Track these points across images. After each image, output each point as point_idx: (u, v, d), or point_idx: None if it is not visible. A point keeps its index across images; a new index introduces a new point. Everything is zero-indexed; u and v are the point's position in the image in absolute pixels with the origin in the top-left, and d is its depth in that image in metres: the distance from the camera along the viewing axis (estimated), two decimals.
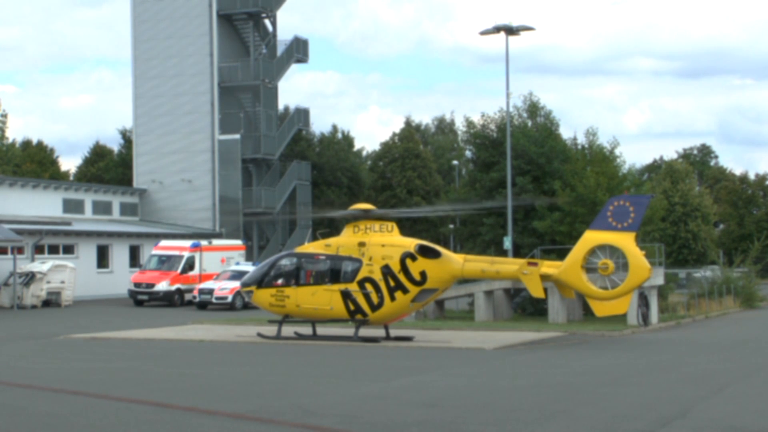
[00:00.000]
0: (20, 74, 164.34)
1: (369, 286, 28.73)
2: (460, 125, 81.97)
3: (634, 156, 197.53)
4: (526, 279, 28.25)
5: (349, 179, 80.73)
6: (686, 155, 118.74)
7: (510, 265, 29.17)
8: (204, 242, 52.47)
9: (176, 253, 50.97)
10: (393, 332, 30.84)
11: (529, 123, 49.26)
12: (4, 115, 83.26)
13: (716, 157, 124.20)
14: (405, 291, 28.62)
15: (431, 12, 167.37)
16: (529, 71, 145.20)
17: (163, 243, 52.48)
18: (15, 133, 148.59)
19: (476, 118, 50.95)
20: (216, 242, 54.22)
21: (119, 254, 56.78)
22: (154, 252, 51.98)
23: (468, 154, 60.51)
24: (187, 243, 52.07)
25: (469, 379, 20.84)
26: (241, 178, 65.68)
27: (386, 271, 28.63)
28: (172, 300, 49.43)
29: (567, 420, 15.58)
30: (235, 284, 47.15)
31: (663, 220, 60.78)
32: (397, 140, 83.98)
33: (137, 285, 49.94)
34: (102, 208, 62.13)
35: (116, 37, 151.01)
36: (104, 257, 56.13)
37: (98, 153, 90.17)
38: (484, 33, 42.59)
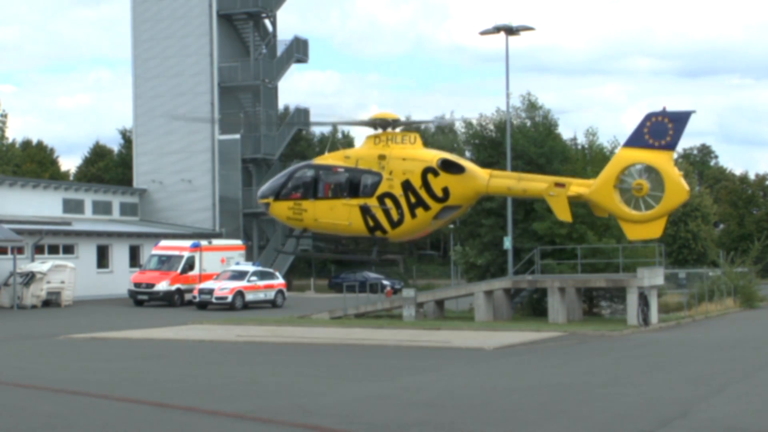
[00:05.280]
0: (19, 74, 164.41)
1: (389, 202, 27.37)
2: (459, 125, 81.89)
3: None
4: (552, 201, 26.72)
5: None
6: (686, 155, 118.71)
7: (538, 182, 27.48)
8: (204, 242, 52.48)
9: (176, 253, 50.98)
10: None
11: (528, 123, 49.29)
12: (4, 115, 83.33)
13: (716, 157, 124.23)
14: (426, 208, 27.26)
15: (428, 12, 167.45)
16: (528, 71, 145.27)
17: (163, 243, 52.50)
18: (13, 133, 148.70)
19: (475, 119, 50.97)
20: (216, 242, 54.23)
21: (119, 254, 56.79)
22: (154, 252, 51.98)
23: (467, 154, 60.53)
24: (187, 243, 52.08)
25: (469, 379, 20.84)
26: (241, 178, 65.69)
27: (407, 186, 27.23)
28: (172, 300, 49.43)
29: (567, 420, 15.58)
30: (235, 284, 47.24)
31: None
32: None
33: (137, 285, 49.95)
34: (102, 208, 62.13)
35: (115, 36, 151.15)
36: (104, 257, 56.13)
37: (98, 153, 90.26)
38: (484, 33, 42.63)
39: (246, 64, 66.29)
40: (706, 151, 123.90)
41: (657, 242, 46.07)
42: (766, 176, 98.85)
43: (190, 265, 50.68)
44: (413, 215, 27.40)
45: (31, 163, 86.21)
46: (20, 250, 48.84)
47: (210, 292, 46.82)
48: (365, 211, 27.58)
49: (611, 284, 38.47)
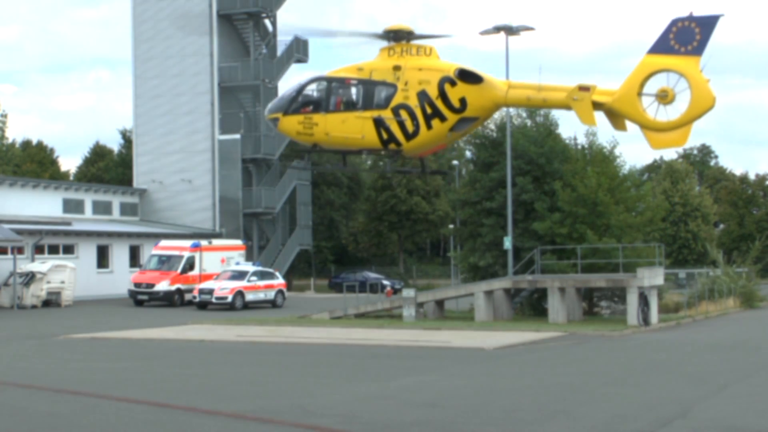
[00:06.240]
0: (19, 74, 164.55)
1: (404, 114, 26.42)
2: None
3: (634, 156, 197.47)
4: (576, 105, 25.44)
5: (349, 179, 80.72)
6: (686, 155, 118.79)
7: (558, 92, 26.29)
8: (204, 242, 52.47)
9: (176, 253, 50.97)
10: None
11: (528, 123, 49.32)
12: (4, 115, 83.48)
13: (716, 157, 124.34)
14: (443, 119, 26.35)
15: (428, 12, 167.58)
16: (527, 71, 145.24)
17: (163, 243, 52.48)
18: (13, 133, 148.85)
19: None
20: (216, 242, 54.23)
21: (119, 254, 56.78)
22: (154, 252, 51.98)
23: (468, 154, 60.62)
24: (187, 243, 52.07)
25: (469, 379, 20.83)
26: (241, 178, 65.67)
27: (423, 97, 26.30)
28: (172, 300, 49.42)
29: (567, 420, 15.58)
30: (235, 284, 47.23)
31: (663, 220, 60.81)
32: None
33: (137, 285, 49.93)
34: (102, 208, 62.13)
35: (114, 36, 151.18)
36: (104, 257, 56.12)
37: (98, 153, 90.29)
38: (484, 33, 42.54)
39: (246, 64, 66.27)
40: (706, 151, 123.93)
41: (657, 242, 46.12)
42: (766, 176, 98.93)
43: (190, 265, 50.67)
44: (429, 127, 26.48)
45: (31, 163, 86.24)
46: (20, 250, 48.84)
47: (210, 292, 46.81)
48: (379, 123, 26.63)
49: (611, 284, 38.47)
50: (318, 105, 27.18)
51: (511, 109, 47.08)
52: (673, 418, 15.67)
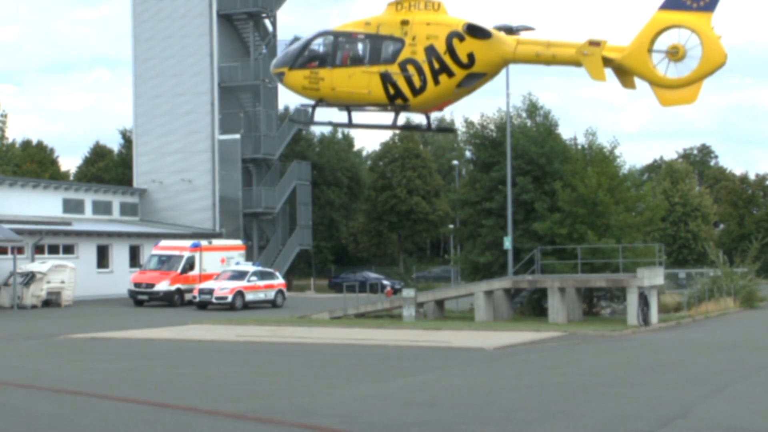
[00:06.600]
0: (19, 74, 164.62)
1: (411, 69, 26.04)
2: (459, 125, 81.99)
3: (633, 156, 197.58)
4: (586, 61, 25.04)
5: (349, 179, 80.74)
6: (686, 155, 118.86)
7: (567, 48, 25.76)
8: (204, 242, 52.47)
9: (176, 253, 50.97)
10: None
11: (528, 123, 49.38)
12: (4, 115, 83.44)
13: (716, 157, 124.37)
14: (450, 74, 26.00)
15: None
16: (527, 71, 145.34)
17: (163, 243, 52.48)
18: (13, 133, 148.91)
19: (476, 119, 51.02)
20: (216, 242, 54.22)
21: (119, 254, 56.77)
22: (154, 252, 51.97)
23: (468, 154, 60.64)
24: (187, 243, 52.07)
25: (469, 379, 20.83)
26: (241, 178, 65.66)
27: (431, 52, 25.91)
28: (172, 300, 49.41)
29: (567, 420, 15.58)
30: (235, 284, 47.22)
31: (663, 220, 60.82)
32: (397, 140, 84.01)
33: (137, 285, 49.92)
34: (102, 208, 62.12)
35: (115, 37, 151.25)
36: (104, 257, 56.11)
37: (98, 153, 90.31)
38: None
39: (246, 64, 66.25)
40: (706, 151, 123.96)
41: (657, 242, 46.15)
42: (766, 176, 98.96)
43: (190, 265, 50.66)
44: (436, 82, 26.10)
45: (31, 163, 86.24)
46: (20, 250, 48.83)
47: (210, 292, 46.81)
48: (386, 78, 26.24)
49: (611, 284, 38.48)
50: (324, 59, 26.75)
51: (511, 109, 47.11)
52: (673, 418, 15.67)
